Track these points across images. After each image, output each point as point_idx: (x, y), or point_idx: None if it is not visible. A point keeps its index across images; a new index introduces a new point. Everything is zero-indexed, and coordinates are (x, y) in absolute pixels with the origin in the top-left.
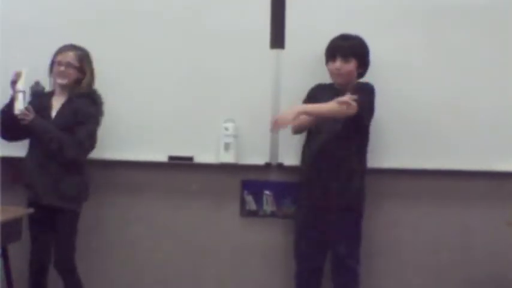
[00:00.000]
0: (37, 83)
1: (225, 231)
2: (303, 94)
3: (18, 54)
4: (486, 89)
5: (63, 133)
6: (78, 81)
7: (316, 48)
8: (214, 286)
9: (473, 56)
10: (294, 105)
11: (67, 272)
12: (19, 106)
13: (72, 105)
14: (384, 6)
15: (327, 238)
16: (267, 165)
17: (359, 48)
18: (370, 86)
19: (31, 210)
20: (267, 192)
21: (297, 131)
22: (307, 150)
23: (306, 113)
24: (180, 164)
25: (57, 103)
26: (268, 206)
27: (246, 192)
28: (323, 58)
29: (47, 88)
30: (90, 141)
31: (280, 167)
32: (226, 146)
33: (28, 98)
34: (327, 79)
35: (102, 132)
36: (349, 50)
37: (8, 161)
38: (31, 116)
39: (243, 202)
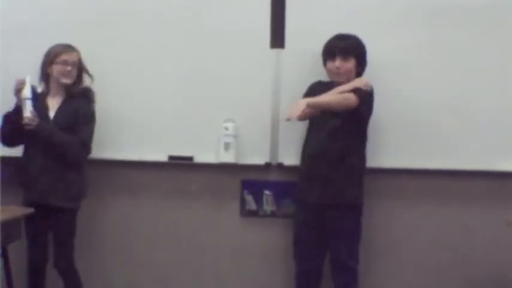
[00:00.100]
0: (32, 86)
1: (225, 231)
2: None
3: (18, 54)
4: (486, 89)
5: (67, 135)
6: (75, 81)
7: (316, 48)
8: (214, 286)
9: (473, 56)
10: (301, 100)
11: (67, 272)
12: (27, 113)
13: (72, 105)
14: (384, 6)
15: (327, 238)
16: (267, 165)
17: (357, 47)
18: (369, 85)
19: (31, 210)
20: (267, 192)
21: (301, 118)
22: (307, 149)
23: (313, 105)
24: (180, 164)
25: (53, 103)
26: (268, 206)
27: (246, 192)
28: None
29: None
30: (91, 140)
31: (280, 166)
32: (226, 146)
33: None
34: (327, 79)
35: (102, 132)
36: (348, 48)
37: (8, 161)
38: (37, 121)
39: (243, 202)
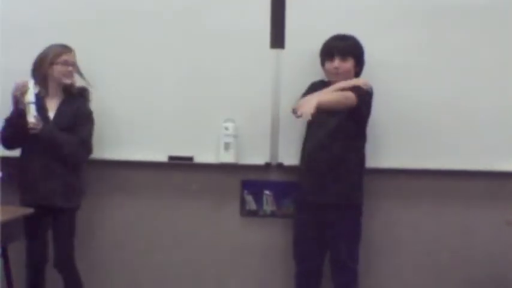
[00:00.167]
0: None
1: (225, 231)
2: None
3: (18, 54)
4: (486, 89)
5: (70, 136)
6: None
7: (316, 48)
8: (214, 286)
9: (473, 56)
10: (311, 97)
11: (67, 271)
12: (31, 118)
13: (71, 105)
14: (384, 6)
15: (327, 238)
16: (267, 165)
17: (355, 47)
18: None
19: (31, 210)
20: (267, 192)
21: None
22: (306, 148)
23: (321, 105)
24: (180, 164)
25: (52, 104)
26: (268, 206)
27: (246, 192)
28: None
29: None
30: (92, 139)
31: (280, 167)
32: (226, 146)
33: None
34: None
35: (102, 132)
36: (346, 49)
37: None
38: (41, 125)
39: (243, 202)
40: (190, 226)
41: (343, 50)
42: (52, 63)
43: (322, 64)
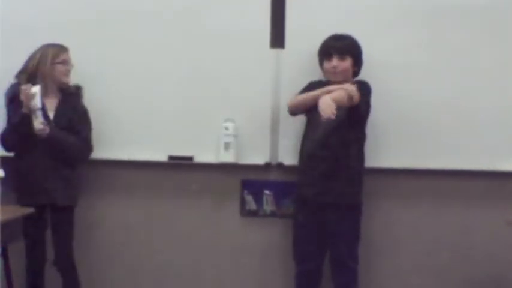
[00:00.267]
0: None
1: (225, 231)
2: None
3: (18, 54)
4: (486, 89)
5: (72, 136)
6: None
7: (316, 48)
8: (214, 286)
9: (473, 56)
10: (325, 98)
11: (67, 270)
12: (39, 124)
13: (68, 103)
14: (384, 6)
15: (327, 238)
16: (267, 165)
17: (353, 46)
18: (367, 84)
19: (31, 210)
20: (266, 192)
21: (293, 112)
22: (305, 147)
23: (336, 102)
24: (180, 164)
25: (50, 104)
26: (268, 206)
27: (246, 192)
28: None
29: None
30: (91, 137)
31: (280, 166)
32: (226, 146)
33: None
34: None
35: (102, 132)
36: (344, 48)
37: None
38: (48, 130)
39: (243, 202)
40: (190, 226)
41: (341, 49)
42: (52, 63)
43: (321, 64)
